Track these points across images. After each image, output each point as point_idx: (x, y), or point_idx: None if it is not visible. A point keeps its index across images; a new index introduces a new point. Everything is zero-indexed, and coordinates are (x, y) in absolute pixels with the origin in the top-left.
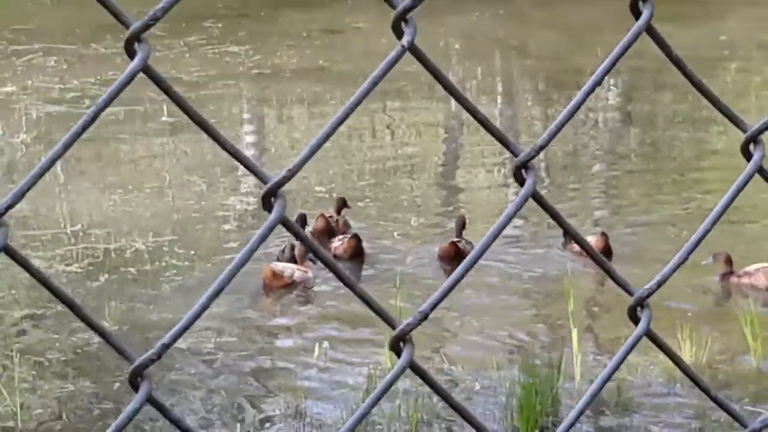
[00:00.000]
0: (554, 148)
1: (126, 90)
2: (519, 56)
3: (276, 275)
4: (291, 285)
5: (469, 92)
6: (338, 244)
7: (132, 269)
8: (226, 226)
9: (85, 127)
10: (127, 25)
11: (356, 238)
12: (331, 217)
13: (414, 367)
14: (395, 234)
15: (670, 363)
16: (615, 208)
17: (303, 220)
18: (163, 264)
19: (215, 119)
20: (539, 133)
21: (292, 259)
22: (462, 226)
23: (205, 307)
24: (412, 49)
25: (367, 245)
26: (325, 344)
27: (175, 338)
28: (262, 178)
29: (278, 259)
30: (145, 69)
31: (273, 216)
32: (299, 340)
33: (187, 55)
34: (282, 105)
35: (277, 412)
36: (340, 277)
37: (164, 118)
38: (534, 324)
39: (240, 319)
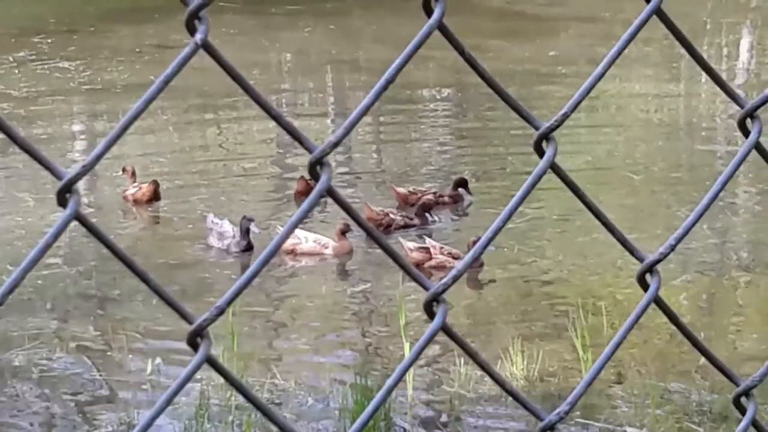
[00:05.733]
0: (389, 162)
1: None
2: (351, 70)
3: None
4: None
5: (302, 107)
6: (135, 190)
7: None
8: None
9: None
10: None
11: (155, 183)
12: (310, 180)
13: (211, 362)
14: (227, 255)
15: (503, 374)
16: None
17: (249, 221)
18: None
19: (46, 135)
20: (371, 146)
21: (246, 233)
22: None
23: None
24: (205, 45)
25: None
26: (158, 360)
27: None
28: (56, 174)
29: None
30: None
31: (68, 212)
32: (132, 356)
33: (17, 70)
34: (113, 120)
35: (110, 428)
36: (135, 272)
37: None
38: (367, 339)
39: (71, 335)
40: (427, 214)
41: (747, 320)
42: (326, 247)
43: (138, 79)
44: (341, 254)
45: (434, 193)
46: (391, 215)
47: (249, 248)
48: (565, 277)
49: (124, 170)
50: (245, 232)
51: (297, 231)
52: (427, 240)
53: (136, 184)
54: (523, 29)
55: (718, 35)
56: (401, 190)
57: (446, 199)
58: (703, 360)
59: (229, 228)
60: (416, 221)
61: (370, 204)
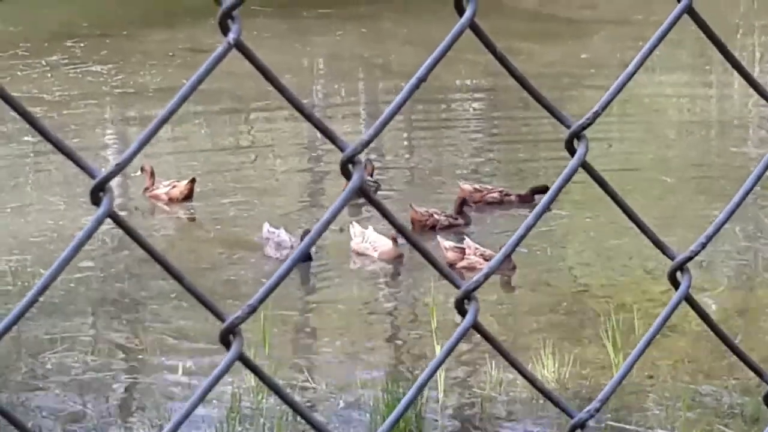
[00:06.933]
0: (420, 165)
1: None
2: (382, 73)
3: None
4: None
5: (334, 109)
6: (168, 188)
7: None
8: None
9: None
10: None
11: (193, 181)
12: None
13: (243, 359)
14: (257, 256)
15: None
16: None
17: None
18: (26, 284)
19: (78, 139)
20: (403, 150)
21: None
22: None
23: (33, 301)
24: (239, 45)
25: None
26: (190, 362)
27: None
28: (90, 172)
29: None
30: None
31: (101, 210)
32: (163, 358)
33: (49, 74)
34: (145, 124)
35: (141, 431)
36: (169, 270)
37: (27, 138)
38: (399, 341)
39: (103, 337)
40: (465, 211)
41: None
42: (375, 250)
43: (170, 82)
44: (387, 259)
45: (500, 191)
46: (436, 216)
47: (308, 258)
48: (596, 279)
49: (142, 170)
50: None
51: (368, 230)
52: (466, 240)
53: (167, 183)
54: (555, 32)
55: (750, 37)
56: (467, 186)
57: (512, 198)
58: (734, 362)
59: (286, 237)
60: (460, 221)
61: (415, 205)
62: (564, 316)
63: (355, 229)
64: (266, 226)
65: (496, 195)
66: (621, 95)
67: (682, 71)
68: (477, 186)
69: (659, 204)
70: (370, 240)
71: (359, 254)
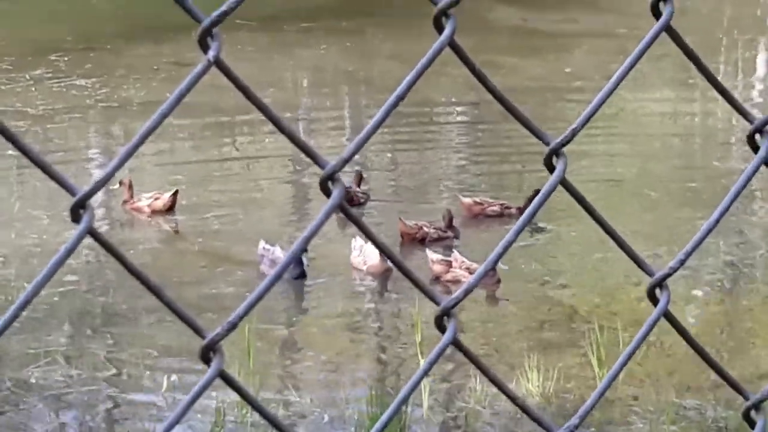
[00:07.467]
0: (405, 181)
1: None
2: (366, 88)
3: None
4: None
5: (318, 124)
6: (151, 200)
7: None
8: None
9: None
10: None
11: (176, 193)
12: (349, 188)
13: (224, 376)
14: (240, 270)
15: (518, 390)
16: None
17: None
18: (9, 298)
19: (62, 152)
20: (388, 164)
21: (300, 261)
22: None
23: (15, 316)
24: (218, 62)
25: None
26: (174, 378)
27: None
28: (70, 190)
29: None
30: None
31: (81, 227)
32: (148, 373)
33: (33, 88)
34: (129, 138)
35: None
36: (149, 286)
37: (10, 152)
38: (383, 356)
39: (87, 352)
40: (454, 224)
41: (763, 336)
42: (365, 264)
43: (154, 96)
44: (375, 273)
45: (501, 204)
46: (425, 228)
47: (302, 275)
48: (581, 293)
49: (120, 183)
50: (299, 260)
51: (367, 244)
52: (454, 253)
53: (149, 195)
54: (539, 46)
55: (734, 52)
56: (467, 200)
57: (513, 210)
58: (717, 376)
59: (280, 254)
60: (450, 233)
61: (404, 218)
62: (549, 330)
63: (356, 243)
64: (261, 243)
65: (496, 208)
66: (606, 109)
67: (667, 85)
68: (477, 199)
69: (644, 218)
70: (365, 254)
71: (355, 269)
